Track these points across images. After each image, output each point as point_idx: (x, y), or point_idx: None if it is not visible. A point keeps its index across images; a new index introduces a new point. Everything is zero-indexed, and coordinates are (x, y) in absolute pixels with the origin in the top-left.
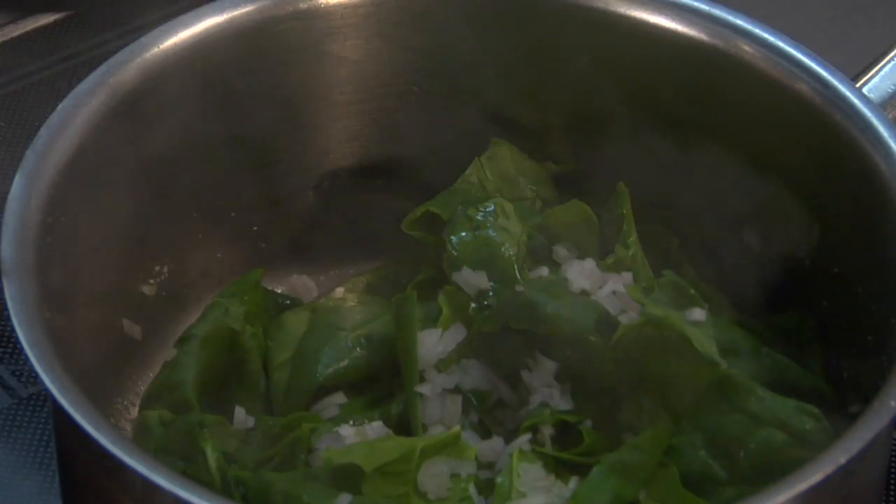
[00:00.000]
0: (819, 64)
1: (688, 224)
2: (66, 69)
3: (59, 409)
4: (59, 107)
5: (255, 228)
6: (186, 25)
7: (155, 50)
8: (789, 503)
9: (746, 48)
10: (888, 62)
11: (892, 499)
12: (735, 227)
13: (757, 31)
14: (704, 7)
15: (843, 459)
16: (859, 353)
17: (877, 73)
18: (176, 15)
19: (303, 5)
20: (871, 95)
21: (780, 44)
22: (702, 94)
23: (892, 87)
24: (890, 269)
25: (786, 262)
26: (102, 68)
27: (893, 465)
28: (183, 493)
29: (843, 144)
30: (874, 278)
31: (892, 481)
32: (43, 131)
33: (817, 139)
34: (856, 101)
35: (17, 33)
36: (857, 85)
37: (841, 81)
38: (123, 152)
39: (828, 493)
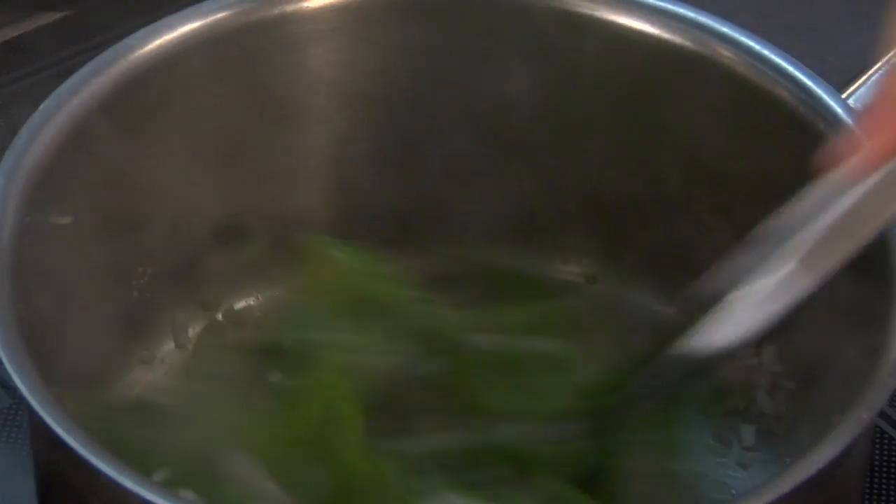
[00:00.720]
0: (801, 71)
1: (662, 234)
2: (66, 69)
3: (32, 412)
4: (42, 106)
5: (239, 232)
6: (171, 28)
7: (139, 52)
8: None
9: (727, 53)
10: (875, 72)
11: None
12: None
13: (738, 36)
14: (686, 12)
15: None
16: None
17: (864, 82)
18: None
19: (283, 9)
20: (858, 105)
21: (763, 50)
22: (681, 99)
23: None
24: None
25: None
26: (86, 68)
27: (875, 463)
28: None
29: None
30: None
31: (875, 480)
32: (23, 131)
33: (800, 147)
34: (838, 109)
35: (17, 33)
36: (845, 95)
37: (824, 89)
38: (106, 153)
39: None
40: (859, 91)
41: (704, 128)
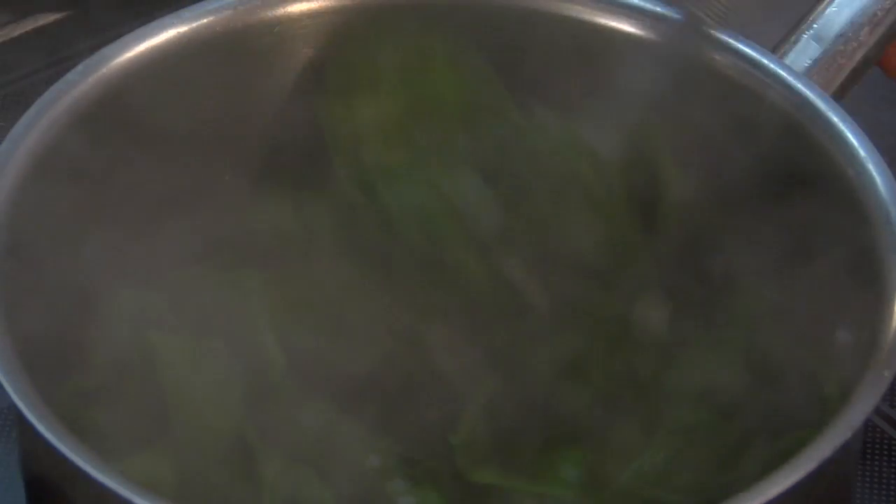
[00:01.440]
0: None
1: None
2: (66, 69)
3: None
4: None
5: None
6: (153, 35)
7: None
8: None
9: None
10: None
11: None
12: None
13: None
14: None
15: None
16: None
17: (794, 43)
18: None
19: (265, 14)
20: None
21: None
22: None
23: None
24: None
25: None
26: (60, 84)
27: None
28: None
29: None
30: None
31: (875, 480)
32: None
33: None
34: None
35: (17, 33)
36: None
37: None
38: (85, 168)
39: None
40: (791, 52)
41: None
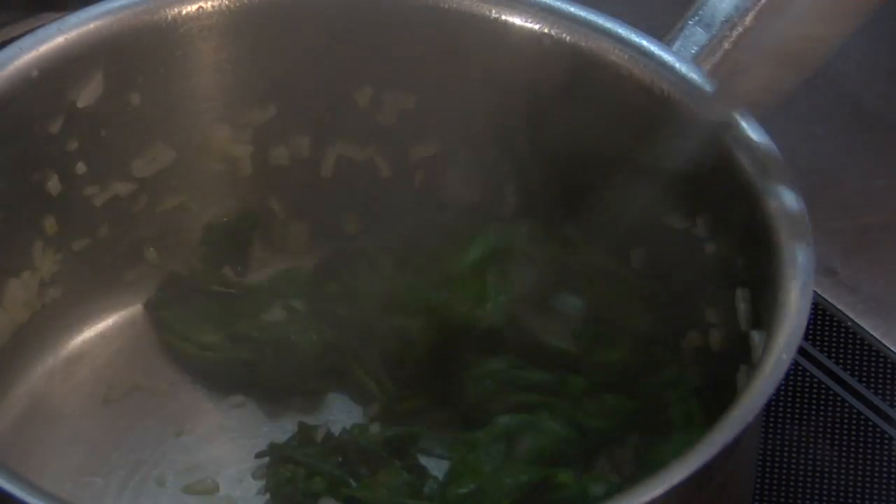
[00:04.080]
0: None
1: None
2: None
3: None
4: None
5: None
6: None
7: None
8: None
9: (619, 52)
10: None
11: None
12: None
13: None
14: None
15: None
16: None
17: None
18: None
19: (175, 11)
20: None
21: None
22: (565, 94)
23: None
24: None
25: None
26: None
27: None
28: None
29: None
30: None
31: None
32: None
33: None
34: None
35: (17, 33)
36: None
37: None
38: None
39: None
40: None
41: (593, 121)
